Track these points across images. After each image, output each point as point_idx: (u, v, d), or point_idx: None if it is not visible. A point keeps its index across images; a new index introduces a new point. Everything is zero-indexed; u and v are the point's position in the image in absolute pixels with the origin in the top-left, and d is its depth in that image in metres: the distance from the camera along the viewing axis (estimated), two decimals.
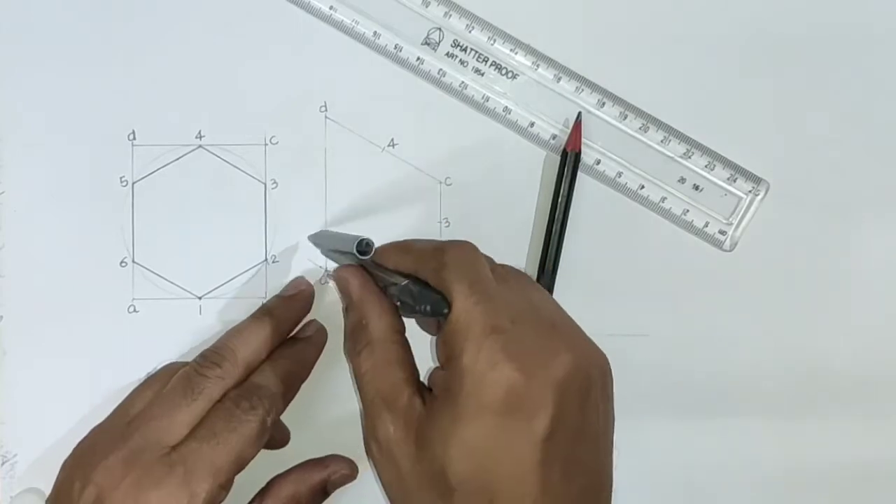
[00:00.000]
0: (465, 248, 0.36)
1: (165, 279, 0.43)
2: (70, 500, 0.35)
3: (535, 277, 0.43)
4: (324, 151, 0.43)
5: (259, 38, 0.43)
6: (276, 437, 0.41)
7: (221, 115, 0.43)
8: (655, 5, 0.44)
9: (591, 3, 0.44)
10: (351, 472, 0.41)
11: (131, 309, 0.43)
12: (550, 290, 0.43)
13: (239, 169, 0.43)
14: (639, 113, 0.44)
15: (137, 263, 0.43)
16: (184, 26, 0.43)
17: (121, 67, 0.43)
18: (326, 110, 0.43)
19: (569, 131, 0.43)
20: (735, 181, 0.44)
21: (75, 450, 0.38)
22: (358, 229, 0.43)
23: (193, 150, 0.43)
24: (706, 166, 0.44)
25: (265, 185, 0.43)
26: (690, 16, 0.44)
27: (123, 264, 0.43)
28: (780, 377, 0.44)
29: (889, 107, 0.44)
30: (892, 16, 0.44)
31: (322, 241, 0.42)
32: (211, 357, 0.38)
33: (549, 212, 0.43)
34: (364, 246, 0.37)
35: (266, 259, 0.43)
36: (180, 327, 0.43)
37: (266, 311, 0.41)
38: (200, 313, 0.43)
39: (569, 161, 0.43)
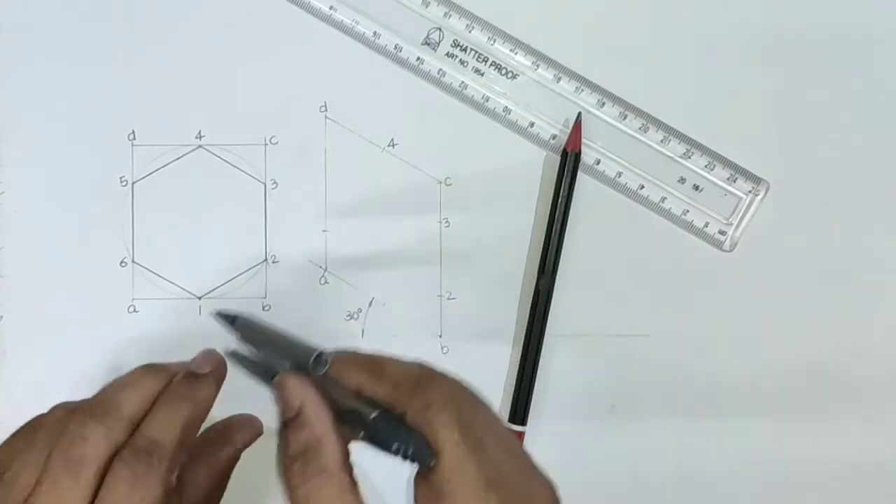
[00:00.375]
0: (453, 385, 0.32)
1: (165, 279, 0.43)
2: None
3: (535, 278, 0.43)
4: (324, 151, 0.43)
5: (259, 38, 0.43)
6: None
7: (221, 115, 0.43)
8: (655, 5, 0.44)
9: (591, 3, 0.44)
10: (257, 430, 0.37)
11: (131, 309, 0.43)
12: (550, 291, 0.43)
13: (239, 169, 0.43)
14: (639, 113, 0.44)
15: (137, 263, 0.43)
16: (184, 26, 0.43)
17: (121, 67, 0.43)
18: (326, 110, 0.43)
19: (569, 131, 0.43)
20: (735, 181, 0.44)
21: None
22: (358, 229, 0.43)
23: (193, 150, 0.43)
24: (706, 166, 0.44)
25: (265, 185, 0.43)
26: (690, 16, 0.44)
27: (123, 264, 0.43)
28: (780, 377, 0.44)
29: (889, 107, 0.44)
30: (893, 16, 0.44)
31: (248, 334, 0.34)
32: (90, 412, 0.33)
33: (549, 212, 0.43)
34: (322, 361, 0.31)
35: (266, 259, 0.43)
36: (180, 327, 0.43)
37: (161, 367, 0.35)
38: (200, 313, 0.43)
39: (569, 161, 0.43)
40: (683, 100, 0.44)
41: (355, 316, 0.43)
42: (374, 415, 0.31)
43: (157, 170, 0.43)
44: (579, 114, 0.43)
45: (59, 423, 0.33)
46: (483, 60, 0.43)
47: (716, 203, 0.44)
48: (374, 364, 0.33)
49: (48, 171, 0.42)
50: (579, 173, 0.43)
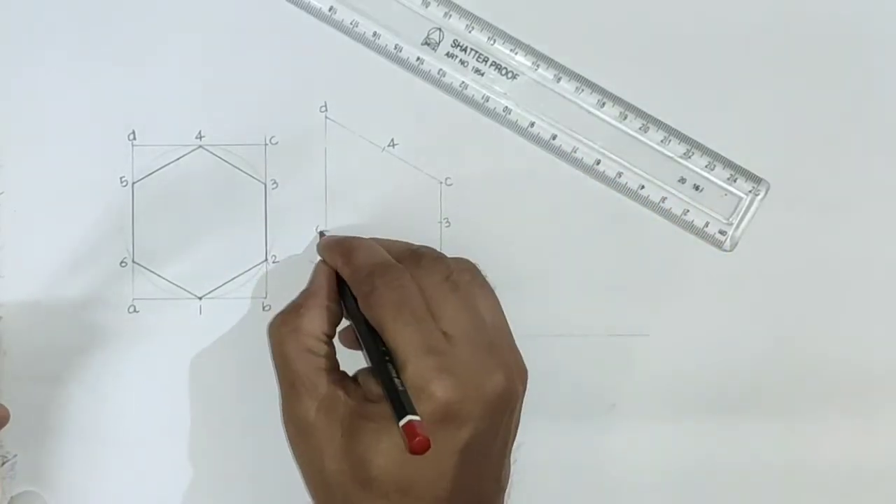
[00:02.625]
0: (396, 280, 0.37)
1: (165, 279, 0.43)
2: None
3: (535, 277, 0.43)
4: (324, 151, 0.43)
5: (259, 38, 0.43)
6: None
7: (221, 115, 0.43)
8: (655, 5, 0.44)
9: (590, 3, 0.44)
10: (3, 419, 0.39)
11: (131, 309, 0.43)
12: None
13: (239, 169, 0.43)
14: (639, 113, 0.44)
15: (137, 263, 0.43)
16: (184, 26, 0.43)
17: (121, 67, 0.43)
18: (326, 110, 0.43)
19: (570, 132, 0.43)
20: (735, 181, 0.44)
21: None
22: (358, 229, 0.43)
23: (193, 150, 0.43)
24: (706, 166, 0.44)
25: (265, 185, 0.43)
26: (690, 16, 0.44)
27: (123, 264, 0.43)
28: (780, 377, 0.44)
29: (889, 107, 0.44)
30: (893, 16, 0.44)
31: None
32: None
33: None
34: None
35: (266, 259, 0.43)
36: (180, 327, 0.43)
37: None
38: (200, 313, 0.43)
39: None
40: (683, 100, 0.44)
41: None
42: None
43: (157, 170, 0.43)
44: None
45: None
46: (483, 60, 0.43)
47: (716, 203, 0.44)
48: (348, 246, 0.40)
49: (48, 171, 0.42)
50: (579, 173, 0.43)
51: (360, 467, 0.35)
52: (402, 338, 0.36)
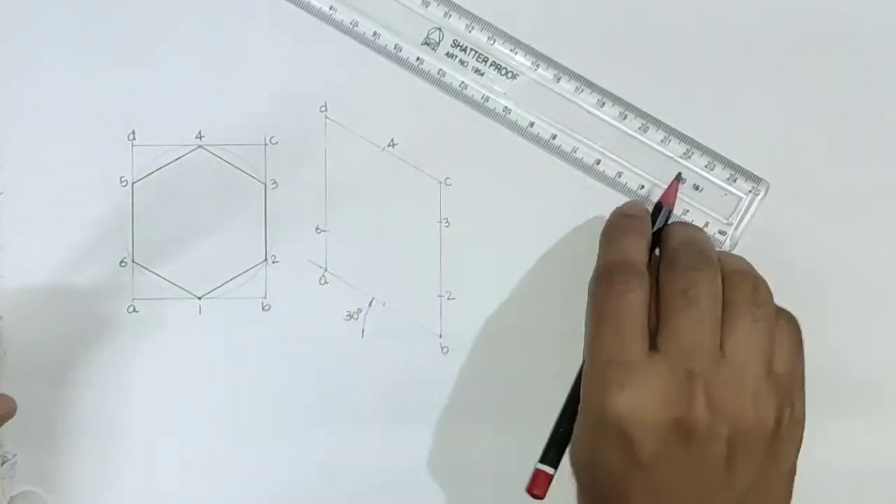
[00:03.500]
0: (624, 283, 0.38)
1: (165, 279, 0.43)
2: None
3: (534, 277, 0.43)
4: (324, 151, 0.43)
5: (259, 38, 0.43)
6: None
7: (221, 115, 0.43)
8: (655, 5, 0.44)
9: (590, 3, 0.44)
10: (10, 411, 0.39)
11: (131, 309, 0.43)
12: None
13: (239, 169, 0.43)
14: (639, 113, 0.44)
15: (137, 263, 0.43)
16: (184, 26, 0.43)
17: (121, 67, 0.43)
18: (326, 110, 0.43)
19: (570, 132, 0.43)
20: (735, 181, 0.44)
21: None
22: (358, 229, 0.43)
23: (193, 150, 0.43)
24: (706, 166, 0.44)
25: (265, 185, 0.43)
26: (691, 16, 0.44)
27: (123, 264, 0.43)
28: None
29: (889, 107, 0.44)
30: (893, 16, 0.44)
31: None
32: None
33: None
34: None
35: (266, 259, 0.43)
36: (180, 327, 0.43)
37: None
38: (200, 313, 0.43)
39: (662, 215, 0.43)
40: (683, 100, 0.44)
41: (355, 316, 0.43)
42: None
43: (157, 170, 0.43)
44: (679, 174, 0.43)
45: None
46: (483, 60, 0.43)
47: (716, 203, 0.44)
48: (611, 233, 0.41)
49: (48, 171, 0.42)
50: (579, 173, 0.43)
51: None
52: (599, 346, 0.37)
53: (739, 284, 0.38)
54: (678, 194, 0.43)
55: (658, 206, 0.43)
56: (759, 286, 0.38)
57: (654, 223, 0.42)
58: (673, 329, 0.37)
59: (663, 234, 0.41)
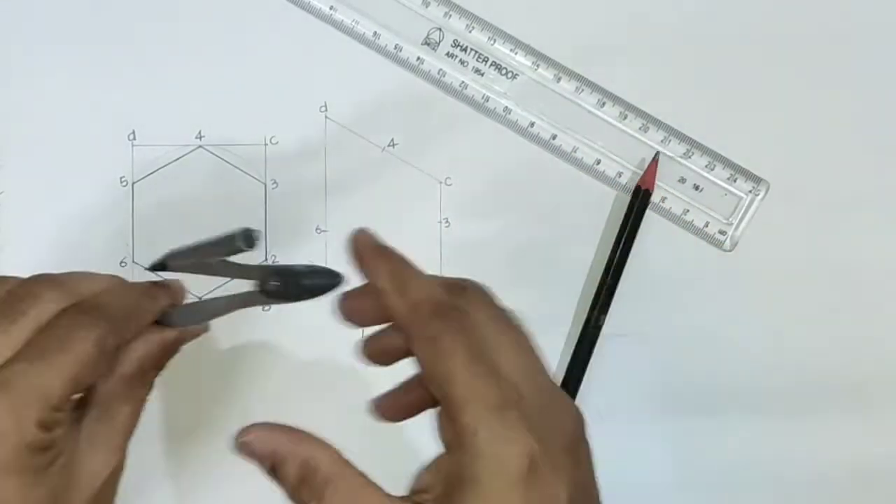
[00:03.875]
0: (460, 322, 0.31)
1: (165, 279, 0.43)
2: None
3: (534, 278, 0.43)
4: (324, 151, 0.43)
5: (259, 38, 0.43)
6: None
7: (221, 115, 0.43)
8: (655, 5, 0.44)
9: (590, 4, 0.44)
10: (203, 327, 0.37)
11: None
12: (595, 339, 0.43)
13: (239, 169, 0.43)
14: (639, 113, 0.44)
15: (137, 263, 0.43)
16: (184, 26, 0.43)
17: (121, 67, 0.43)
18: (326, 110, 0.43)
19: (569, 132, 0.43)
20: (735, 181, 0.44)
21: None
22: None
23: (193, 150, 0.43)
24: (706, 166, 0.44)
25: (265, 185, 0.43)
26: (691, 15, 0.44)
27: (123, 264, 0.43)
28: (780, 377, 0.44)
29: (889, 107, 0.44)
30: (892, 16, 0.44)
31: (180, 258, 0.36)
32: (50, 279, 0.33)
33: (609, 253, 0.43)
34: (249, 238, 0.32)
35: (266, 259, 0.43)
36: None
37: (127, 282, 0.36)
38: None
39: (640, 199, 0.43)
40: (683, 100, 0.44)
41: None
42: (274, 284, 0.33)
43: (157, 170, 0.43)
44: (657, 153, 0.43)
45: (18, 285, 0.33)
46: (483, 60, 0.43)
47: (716, 203, 0.44)
48: (401, 277, 0.32)
49: (48, 172, 0.42)
50: (580, 173, 0.43)
51: None
52: (475, 393, 0.30)
53: None
54: (679, 195, 0.43)
55: (637, 190, 0.43)
56: None
57: (631, 207, 0.42)
58: (513, 357, 0.32)
59: None
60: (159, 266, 0.35)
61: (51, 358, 0.31)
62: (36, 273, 0.34)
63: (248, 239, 0.32)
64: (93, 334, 0.31)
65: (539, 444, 0.30)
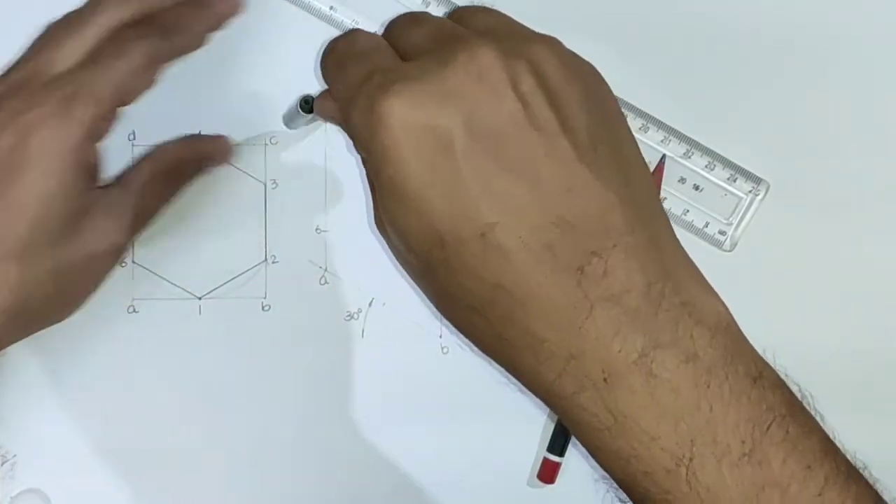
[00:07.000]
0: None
1: (165, 279, 0.43)
2: None
3: None
4: (324, 151, 0.43)
5: (259, 38, 0.43)
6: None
7: (221, 115, 0.43)
8: (655, 5, 0.44)
9: (591, 3, 0.44)
10: (230, 152, 0.42)
11: (131, 309, 0.43)
12: None
13: (239, 169, 0.43)
14: (639, 113, 0.44)
15: (137, 263, 0.43)
16: None
17: None
18: None
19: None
20: (735, 181, 0.44)
21: None
22: (358, 229, 0.43)
23: None
24: (706, 166, 0.44)
25: (265, 185, 0.43)
26: (690, 15, 0.44)
27: (123, 264, 0.43)
28: (780, 377, 0.44)
29: (889, 107, 0.44)
30: (892, 16, 0.44)
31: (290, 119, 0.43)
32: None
33: None
34: (304, 103, 0.39)
35: (266, 259, 0.43)
36: (180, 327, 0.43)
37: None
38: (200, 313, 0.43)
39: None
40: (683, 100, 0.44)
41: (355, 316, 0.43)
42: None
43: None
44: (663, 156, 0.43)
45: None
46: None
47: (716, 203, 0.44)
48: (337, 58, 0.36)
49: None
50: None
51: None
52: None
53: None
54: (679, 195, 0.43)
55: None
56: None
57: None
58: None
59: None
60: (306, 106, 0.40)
61: (105, 63, 0.34)
62: None
63: (304, 104, 0.39)
64: (143, 46, 0.35)
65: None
